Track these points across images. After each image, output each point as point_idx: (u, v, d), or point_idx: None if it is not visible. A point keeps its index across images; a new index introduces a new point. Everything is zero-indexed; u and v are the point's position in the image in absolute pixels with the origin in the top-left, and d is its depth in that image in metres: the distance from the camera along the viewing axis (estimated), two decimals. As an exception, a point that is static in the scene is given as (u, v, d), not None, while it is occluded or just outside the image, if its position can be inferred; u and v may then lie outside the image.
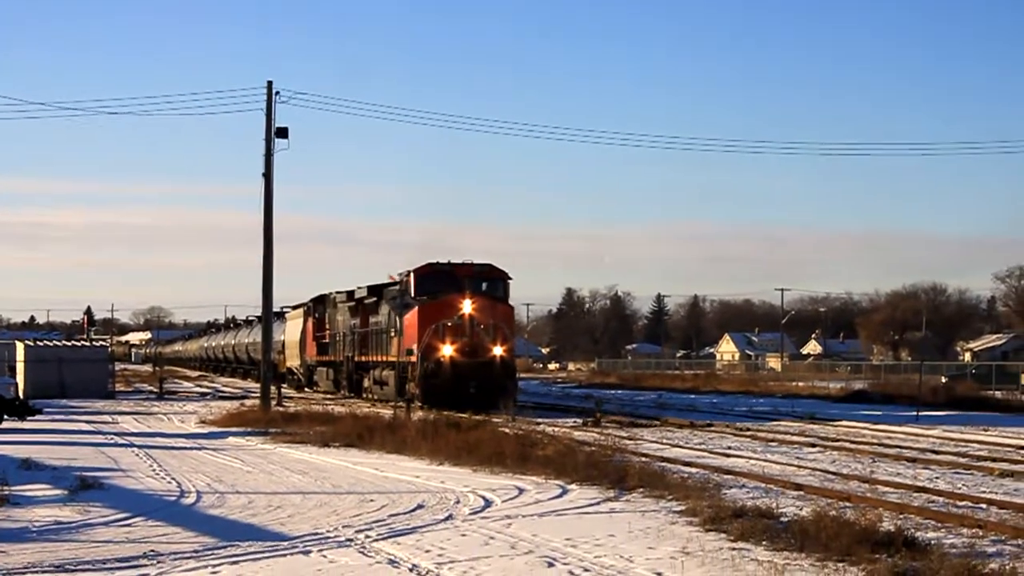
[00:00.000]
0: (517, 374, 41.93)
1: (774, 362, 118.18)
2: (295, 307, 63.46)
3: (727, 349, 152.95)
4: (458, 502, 17.01)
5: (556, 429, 30.26)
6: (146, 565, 12.31)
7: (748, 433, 30.34)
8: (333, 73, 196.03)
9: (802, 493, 17.81)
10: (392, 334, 41.57)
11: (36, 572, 11.95)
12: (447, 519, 15.39)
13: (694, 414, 39.39)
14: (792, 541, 13.10)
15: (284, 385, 53.81)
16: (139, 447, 26.56)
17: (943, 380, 58.55)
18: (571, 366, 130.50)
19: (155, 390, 57.68)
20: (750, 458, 23.66)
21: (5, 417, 32.97)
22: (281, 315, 63.87)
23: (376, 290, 45.40)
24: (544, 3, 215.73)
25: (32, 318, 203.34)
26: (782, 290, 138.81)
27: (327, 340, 54.17)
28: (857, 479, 19.74)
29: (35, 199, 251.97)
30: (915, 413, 38.30)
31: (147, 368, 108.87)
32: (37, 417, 34.20)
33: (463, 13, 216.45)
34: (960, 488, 18.73)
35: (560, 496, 17.63)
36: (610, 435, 27.59)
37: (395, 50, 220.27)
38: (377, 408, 38.58)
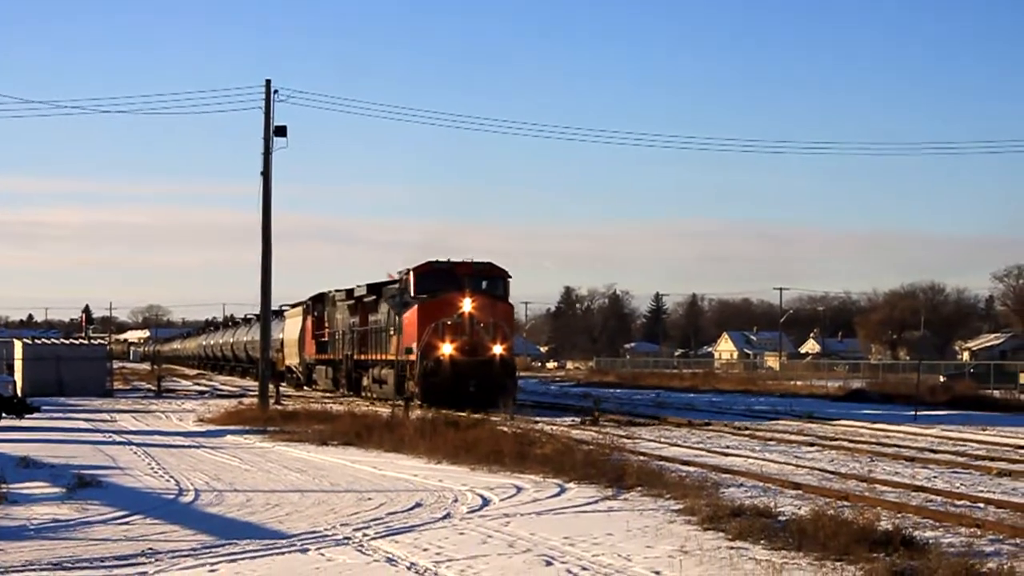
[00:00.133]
0: (517, 373, 41.92)
1: (772, 361, 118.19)
2: (294, 305, 63.42)
3: (725, 348, 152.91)
4: (456, 500, 17.01)
5: (554, 428, 30.28)
6: (144, 563, 12.30)
7: (746, 432, 30.34)
8: (333, 72, 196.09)
9: (800, 492, 17.81)
10: (391, 332, 41.54)
11: (34, 570, 11.94)
12: (445, 517, 15.39)
13: (692, 413, 39.37)
14: (790, 540, 13.10)
15: (283, 383, 53.76)
16: (137, 445, 26.55)
17: (941, 379, 58.58)
18: (569, 365, 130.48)
19: (153, 388, 57.70)
20: (748, 457, 23.66)
21: (3, 415, 33.02)
22: (280, 313, 63.86)
23: (375, 288, 45.34)
24: (544, 3, 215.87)
25: (30, 316, 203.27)
26: (780, 289, 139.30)
27: (326, 338, 54.16)
28: (855, 478, 19.74)
29: (33, 198, 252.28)
30: (913, 412, 38.31)
31: (145, 366, 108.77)
32: (35, 415, 34.26)
33: (463, 13, 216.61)
34: (958, 487, 18.72)
35: (558, 495, 17.63)
36: (608, 434, 27.58)
37: (396, 49, 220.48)
38: (376, 407, 38.55)
